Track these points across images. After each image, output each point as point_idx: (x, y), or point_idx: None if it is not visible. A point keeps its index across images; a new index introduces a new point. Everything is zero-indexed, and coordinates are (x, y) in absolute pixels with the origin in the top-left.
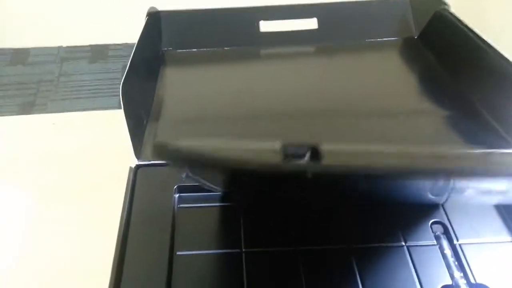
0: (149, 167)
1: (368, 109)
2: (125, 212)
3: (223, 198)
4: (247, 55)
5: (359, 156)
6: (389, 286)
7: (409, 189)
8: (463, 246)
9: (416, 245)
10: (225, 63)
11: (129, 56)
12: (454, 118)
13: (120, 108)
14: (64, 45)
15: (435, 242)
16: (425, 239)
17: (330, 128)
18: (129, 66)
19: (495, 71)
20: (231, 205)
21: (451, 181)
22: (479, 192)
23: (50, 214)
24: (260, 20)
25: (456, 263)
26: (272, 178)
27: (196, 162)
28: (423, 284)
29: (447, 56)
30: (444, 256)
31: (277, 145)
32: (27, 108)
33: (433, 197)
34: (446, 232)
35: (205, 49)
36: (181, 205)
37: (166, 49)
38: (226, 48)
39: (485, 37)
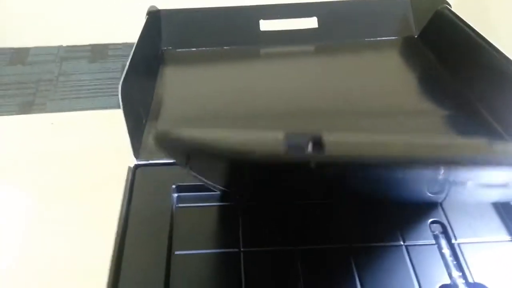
0: (148, 166)
1: (368, 108)
2: (124, 212)
3: (221, 198)
4: (247, 54)
5: (362, 146)
6: (387, 285)
7: (410, 181)
8: (461, 246)
9: (415, 245)
10: (225, 62)
11: (129, 55)
12: (454, 117)
13: (119, 107)
14: (64, 44)
15: (433, 241)
16: (424, 238)
17: (329, 127)
18: (129, 66)
19: (496, 71)
20: (229, 204)
21: (452, 173)
22: (480, 186)
23: (49, 213)
24: (260, 19)
25: (455, 262)
26: (275, 167)
27: (198, 151)
28: (422, 284)
29: (447, 55)
30: (442, 255)
31: (280, 135)
32: (26, 107)
33: (432, 195)
34: (444, 232)
35: (205, 48)
36: (180, 205)
37: (165, 48)
38: (226, 47)
39: (486, 36)
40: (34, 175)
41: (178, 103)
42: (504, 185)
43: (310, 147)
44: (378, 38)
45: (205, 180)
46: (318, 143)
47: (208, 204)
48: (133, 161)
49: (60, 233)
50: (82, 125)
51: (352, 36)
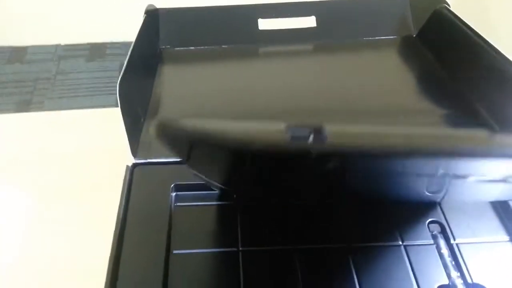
0: (146, 165)
1: (366, 107)
2: (122, 211)
3: (220, 197)
4: (246, 53)
5: (363, 136)
6: (385, 285)
7: (410, 174)
8: (460, 246)
9: (413, 245)
10: (223, 61)
11: (127, 54)
12: (453, 117)
13: (117, 106)
14: (62, 43)
15: (432, 241)
16: (422, 238)
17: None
18: (127, 64)
19: (494, 70)
20: (228, 203)
21: (453, 164)
22: (479, 181)
23: (46, 212)
24: (259, 18)
25: (453, 262)
26: (277, 157)
27: (200, 140)
28: (420, 284)
29: (446, 55)
30: (441, 255)
31: (282, 125)
32: (24, 106)
33: (430, 194)
34: (443, 232)
35: (203, 47)
36: (178, 204)
37: (164, 47)
38: (224, 46)
39: (485, 36)
40: (32, 173)
41: (176, 102)
42: (503, 180)
43: (311, 138)
44: (376, 37)
45: (205, 178)
46: (319, 133)
47: (206, 203)
48: (131, 160)
49: (58, 232)
50: (80, 123)
51: (351, 35)
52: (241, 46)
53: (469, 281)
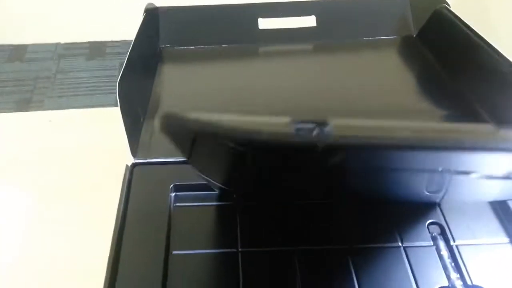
0: (146, 165)
1: (366, 107)
2: (121, 211)
3: (219, 197)
4: (246, 52)
5: (369, 129)
6: (385, 287)
7: (412, 170)
8: (459, 247)
9: (413, 246)
10: (223, 60)
11: (127, 53)
12: (453, 117)
13: (117, 105)
14: (62, 42)
15: (431, 243)
16: (422, 239)
17: None
18: (126, 64)
19: (494, 70)
20: (228, 204)
21: (457, 158)
22: (481, 177)
23: (46, 211)
24: (259, 17)
25: (453, 264)
26: (282, 149)
27: (205, 132)
28: (420, 285)
29: (446, 55)
30: (440, 257)
31: (286, 119)
32: (23, 105)
33: (430, 193)
34: (443, 233)
35: (203, 46)
36: (177, 204)
37: (163, 46)
38: (224, 45)
39: (485, 36)
40: (31, 172)
41: (176, 101)
42: (506, 177)
43: (316, 131)
44: (376, 37)
45: (206, 177)
46: (324, 127)
47: (206, 204)
48: (130, 160)
49: (58, 232)
50: (80, 122)
51: (351, 35)
52: (241, 45)
53: (469, 282)
